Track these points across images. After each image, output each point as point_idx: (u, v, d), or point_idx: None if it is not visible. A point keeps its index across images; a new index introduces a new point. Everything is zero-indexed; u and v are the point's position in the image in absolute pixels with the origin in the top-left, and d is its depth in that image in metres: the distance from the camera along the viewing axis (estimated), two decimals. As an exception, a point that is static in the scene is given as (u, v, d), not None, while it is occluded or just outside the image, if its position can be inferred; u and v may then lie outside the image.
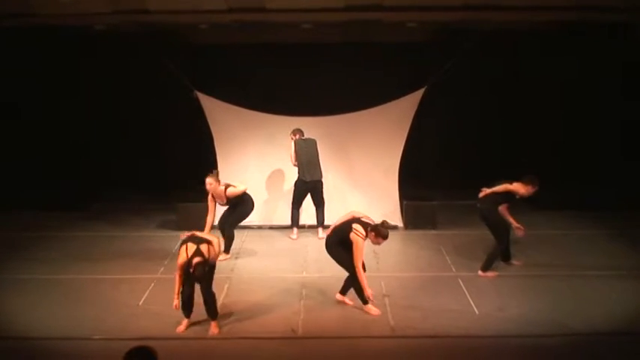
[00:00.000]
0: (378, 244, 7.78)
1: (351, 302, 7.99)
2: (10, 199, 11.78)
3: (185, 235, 7.44)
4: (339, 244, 7.86)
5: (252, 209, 9.94)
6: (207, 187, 9.52)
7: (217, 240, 7.40)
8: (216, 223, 9.77)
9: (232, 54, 12.75)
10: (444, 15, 10.30)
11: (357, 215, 7.99)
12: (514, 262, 9.25)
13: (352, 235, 7.67)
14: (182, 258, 7.09)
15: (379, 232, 7.68)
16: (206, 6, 9.83)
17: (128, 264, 9.41)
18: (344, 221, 7.97)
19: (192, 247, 7.09)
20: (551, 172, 12.39)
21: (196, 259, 7.01)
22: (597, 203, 11.61)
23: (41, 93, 12.55)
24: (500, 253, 9.02)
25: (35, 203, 11.80)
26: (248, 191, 9.85)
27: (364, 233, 7.69)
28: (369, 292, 7.68)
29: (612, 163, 12.25)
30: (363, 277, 7.72)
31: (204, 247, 7.10)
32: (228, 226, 9.81)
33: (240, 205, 9.80)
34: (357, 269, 7.67)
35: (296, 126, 10.62)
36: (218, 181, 9.57)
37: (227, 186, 9.64)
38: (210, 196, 9.57)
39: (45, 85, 12.48)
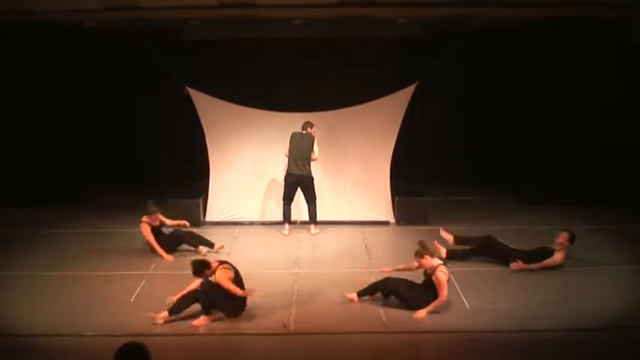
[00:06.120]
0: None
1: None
2: (1, 196, 11.75)
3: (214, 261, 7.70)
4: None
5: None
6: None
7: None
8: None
9: (223, 50, 12.73)
10: (435, 11, 10.30)
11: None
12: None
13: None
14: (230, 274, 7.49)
15: None
16: (197, 2, 9.81)
17: (119, 260, 9.39)
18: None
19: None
20: (539, 167, 12.47)
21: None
22: (585, 198, 11.66)
23: (32, 90, 12.47)
24: None
25: (27, 200, 11.75)
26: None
27: None
28: None
29: (603, 158, 12.26)
30: None
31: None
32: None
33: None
34: None
35: (288, 121, 10.61)
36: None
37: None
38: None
39: (36, 82, 12.41)
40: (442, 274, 7.62)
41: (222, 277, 7.40)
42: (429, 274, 7.75)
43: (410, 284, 7.90)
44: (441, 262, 7.77)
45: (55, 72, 12.47)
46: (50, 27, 11.28)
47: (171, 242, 9.73)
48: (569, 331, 7.15)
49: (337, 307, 7.89)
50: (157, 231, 9.73)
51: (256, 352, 6.88)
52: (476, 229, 9.94)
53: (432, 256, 7.82)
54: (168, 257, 9.51)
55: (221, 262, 7.62)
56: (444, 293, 7.60)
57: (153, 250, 9.57)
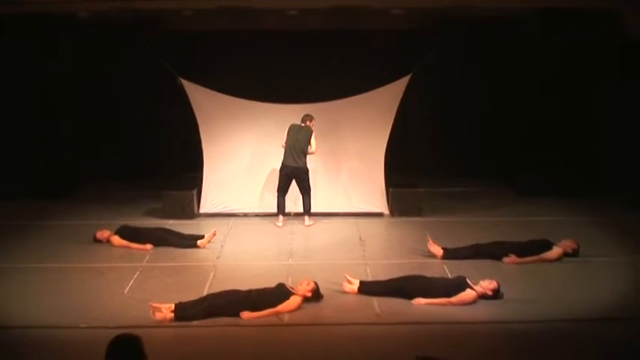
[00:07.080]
0: None
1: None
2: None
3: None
4: None
5: None
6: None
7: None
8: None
9: (217, 41, 12.70)
10: (430, 2, 10.30)
11: None
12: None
13: None
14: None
15: None
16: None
17: (113, 252, 9.37)
18: None
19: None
20: (536, 158, 12.48)
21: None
22: (582, 190, 11.66)
23: (24, 81, 12.42)
24: None
25: (20, 191, 11.71)
26: None
27: None
28: None
29: (595, 150, 12.29)
30: None
31: None
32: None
33: None
34: None
35: (281, 113, 10.60)
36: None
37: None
38: None
39: (28, 73, 12.36)
40: (473, 295, 7.57)
41: (296, 304, 7.44)
42: (467, 283, 7.69)
43: (428, 279, 7.89)
44: (491, 289, 7.63)
45: (50, 64, 12.43)
46: (44, 18, 11.22)
47: (150, 240, 9.55)
48: (565, 322, 7.15)
49: (331, 298, 7.86)
50: (129, 230, 9.66)
51: (250, 344, 6.87)
52: (469, 221, 9.95)
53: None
54: (146, 247, 9.43)
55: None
56: (457, 302, 7.55)
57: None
